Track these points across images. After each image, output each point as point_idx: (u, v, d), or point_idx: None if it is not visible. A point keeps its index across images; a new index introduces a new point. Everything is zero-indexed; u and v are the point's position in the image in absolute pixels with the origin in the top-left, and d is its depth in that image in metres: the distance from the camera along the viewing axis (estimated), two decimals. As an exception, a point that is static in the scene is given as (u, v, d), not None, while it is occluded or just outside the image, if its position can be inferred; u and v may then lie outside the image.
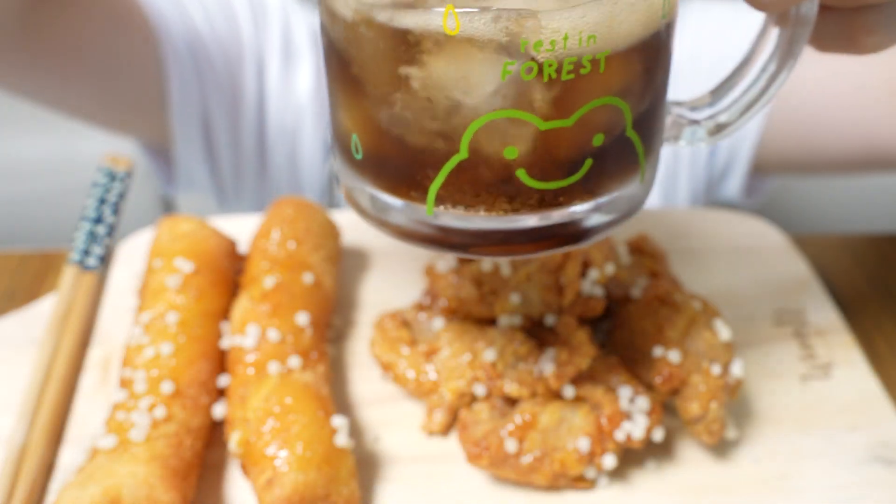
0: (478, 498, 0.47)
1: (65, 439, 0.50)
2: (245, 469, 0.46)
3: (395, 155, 0.35)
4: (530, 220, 0.35)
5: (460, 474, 0.48)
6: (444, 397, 0.49)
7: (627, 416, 0.47)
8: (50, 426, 0.49)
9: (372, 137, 0.36)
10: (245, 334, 0.50)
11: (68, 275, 0.58)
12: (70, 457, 0.48)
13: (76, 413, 0.51)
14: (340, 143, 0.38)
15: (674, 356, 0.48)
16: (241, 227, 0.61)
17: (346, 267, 0.61)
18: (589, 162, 0.35)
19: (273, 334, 0.49)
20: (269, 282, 0.52)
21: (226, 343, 0.51)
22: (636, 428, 0.46)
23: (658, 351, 0.48)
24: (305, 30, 0.79)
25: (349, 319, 0.58)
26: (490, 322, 0.52)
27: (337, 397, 0.52)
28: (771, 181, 0.82)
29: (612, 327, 0.53)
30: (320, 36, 0.38)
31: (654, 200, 0.81)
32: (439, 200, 0.35)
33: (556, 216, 0.36)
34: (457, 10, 0.31)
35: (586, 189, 0.35)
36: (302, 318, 0.51)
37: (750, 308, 0.59)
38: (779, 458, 0.49)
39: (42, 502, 0.46)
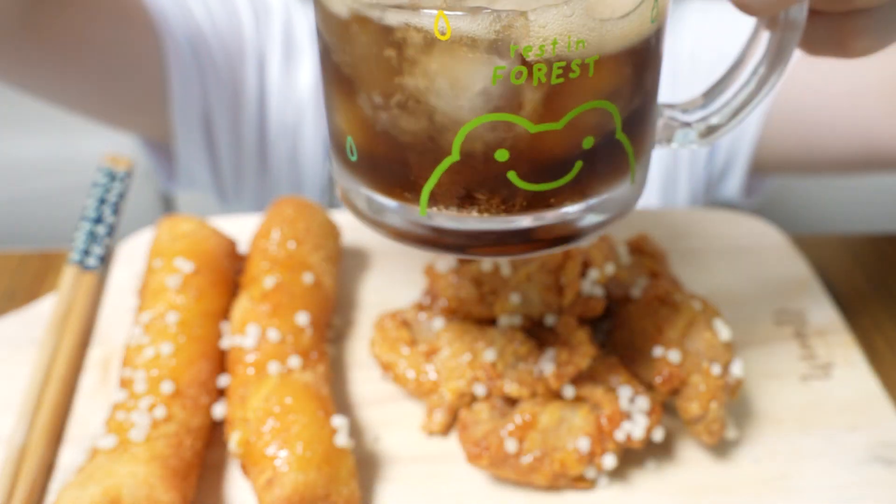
0: (478, 498, 0.47)
1: (65, 439, 0.50)
2: (245, 469, 0.46)
3: (388, 156, 0.36)
4: (523, 221, 0.36)
5: (460, 474, 0.48)
6: (444, 397, 0.49)
7: (627, 416, 0.47)
8: (50, 426, 0.49)
9: (366, 139, 0.36)
10: (245, 334, 0.50)
11: (68, 275, 0.58)
12: (70, 457, 0.48)
13: (76, 413, 0.51)
14: (336, 144, 0.39)
15: (674, 356, 0.48)
16: (241, 227, 0.61)
17: (346, 267, 0.61)
18: (579, 164, 0.35)
19: (273, 334, 0.49)
20: (269, 282, 0.52)
21: (226, 343, 0.51)
22: (636, 428, 0.46)
23: (658, 351, 0.48)
24: (307, 27, 0.79)
25: (349, 319, 0.58)
26: (490, 322, 0.52)
27: (337, 397, 0.52)
28: (770, 181, 0.82)
29: (612, 327, 0.53)
30: (316, 37, 0.38)
31: (653, 200, 0.81)
32: (432, 202, 0.36)
33: (549, 217, 0.36)
34: (446, 13, 0.31)
35: (577, 190, 0.36)
36: (302, 318, 0.51)
37: (750, 308, 0.59)
38: (779, 458, 0.49)
39: (42, 502, 0.46)
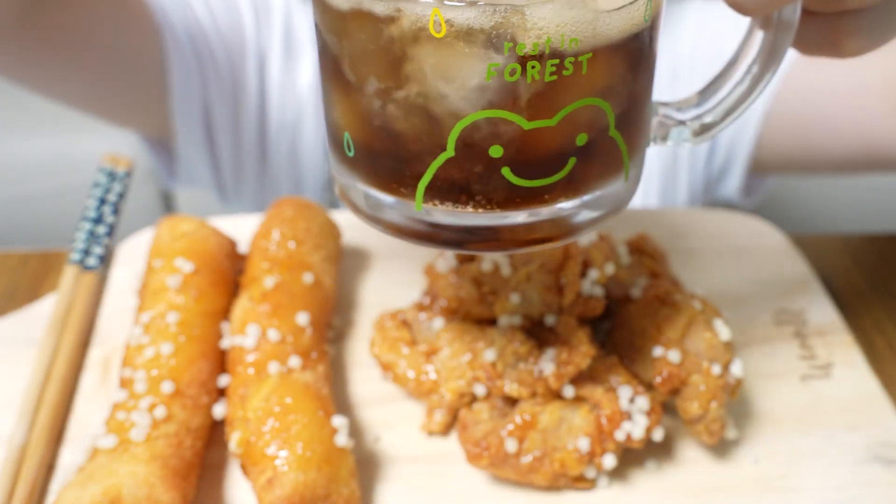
0: (478, 498, 0.47)
1: (65, 439, 0.50)
2: (245, 469, 0.46)
3: (384, 152, 0.36)
4: (518, 217, 0.36)
5: (460, 474, 0.48)
6: (444, 397, 0.49)
7: (627, 416, 0.47)
8: (50, 426, 0.49)
9: (362, 135, 0.37)
10: (245, 334, 0.50)
11: (68, 275, 0.58)
12: (70, 457, 0.48)
13: (76, 413, 0.51)
14: (334, 140, 0.39)
15: (674, 356, 0.48)
16: (241, 227, 0.61)
17: (346, 267, 0.61)
18: (573, 161, 0.36)
19: (273, 334, 0.49)
20: (269, 282, 0.52)
21: (226, 343, 0.51)
22: (636, 428, 0.46)
23: (658, 351, 0.48)
24: (308, 25, 0.79)
25: (349, 319, 0.58)
26: (490, 322, 0.52)
27: (337, 397, 0.52)
28: (770, 181, 0.82)
29: (612, 327, 0.53)
30: (314, 33, 0.38)
31: (653, 200, 0.81)
32: (428, 197, 0.36)
33: (544, 213, 0.37)
34: (441, 9, 0.31)
35: (571, 187, 0.36)
36: (302, 318, 0.51)
37: (750, 308, 0.59)
38: (779, 458, 0.49)
39: (42, 502, 0.46)
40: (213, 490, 0.47)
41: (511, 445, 0.46)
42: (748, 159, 0.76)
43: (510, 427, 0.46)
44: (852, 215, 1.25)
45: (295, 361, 0.49)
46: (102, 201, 0.62)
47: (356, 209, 0.39)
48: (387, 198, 0.37)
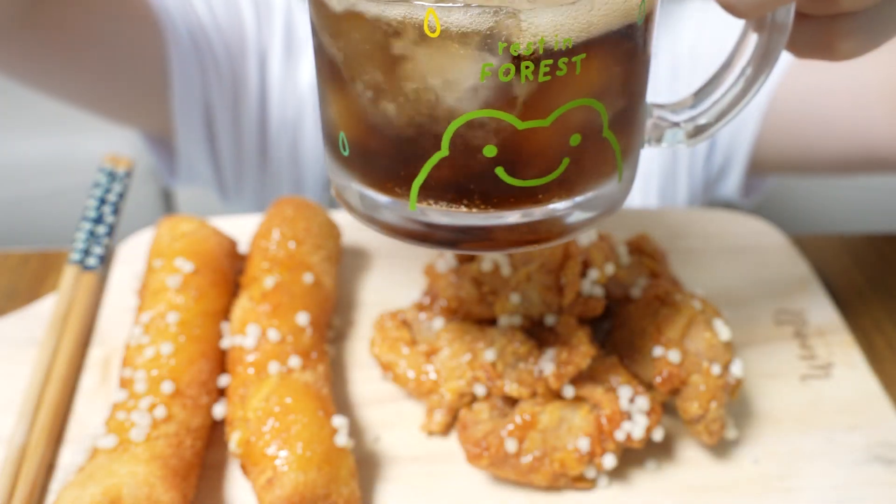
0: (478, 498, 0.47)
1: (65, 439, 0.50)
2: (245, 469, 0.46)
3: (379, 151, 0.36)
4: (512, 217, 0.36)
5: (460, 474, 0.48)
6: (444, 397, 0.49)
7: (627, 416, 0.47)
8: (50, 426, 0.49)
9: (357, 134, 0.37)
10: (245, 334, 0.50)
11: (68, 275, 0.58)
12: (70, 457, 0.48)
13: (76, 413, 0.51)
14: (329, 139, 0.40)
15: (674, 356, 0.48)
16: (241, 227, 0.61)
17: (346, 267, 0.61)
18: (566, 161, 0.36)
19: (273, 334, 0.49)
20: (269, 282, 0.52)
21: (226, 343, 0.51)
22: (636, 428, 0.46)
23: (658, 351, 0.49)
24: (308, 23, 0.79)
25: (349, 319, 0.58)
26: (490, 322, 0.52)
27: (337, 397, 0.52)
28: (769, 181, 0.83)
29: (612, 327, 0.53)
30: (311, 32, 0.39)
31: (653, 200, 0.81)
32: (422, 196, 0.36)
33: (537, 213, 0.37)
34: (436, 9, 0.32)
35: (564, 187, 0.36)
36: (302, 318, 0.51)
37: (750, 308, 0.59)
38: (779, 458, 0.49)
39: (42, 502, 0.46)
40: (213, 490, 0.47)
41: (511, 445, 0.46)
42: (747, 159, 0.76)
43: (510, 427, 0.46)
44: (852, 215, 1.25)
45: (295, 361, 0.49)
46: (102, 201, 0.62)
47: (351, 209, 0.39)
48: (382, 197, 0.37)
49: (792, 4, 0.36)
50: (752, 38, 0.38)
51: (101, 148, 1.10)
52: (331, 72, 0.37)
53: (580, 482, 0.47)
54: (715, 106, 0.39)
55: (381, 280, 0.61)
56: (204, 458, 0.48)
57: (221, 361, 0.51)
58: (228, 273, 0.56)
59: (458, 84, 0.33)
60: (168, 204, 1.31)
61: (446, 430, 0.50)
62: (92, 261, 0.59)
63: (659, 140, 0.41)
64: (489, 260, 0.51)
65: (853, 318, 0.60)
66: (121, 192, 0.63)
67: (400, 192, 0.36)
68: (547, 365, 0.48)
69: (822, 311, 0.59)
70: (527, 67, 0.33)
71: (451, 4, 0.31)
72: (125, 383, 0.48)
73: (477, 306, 0.51)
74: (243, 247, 0.59)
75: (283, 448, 0.44)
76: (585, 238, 0.52)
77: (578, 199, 0.37)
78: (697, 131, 0.40)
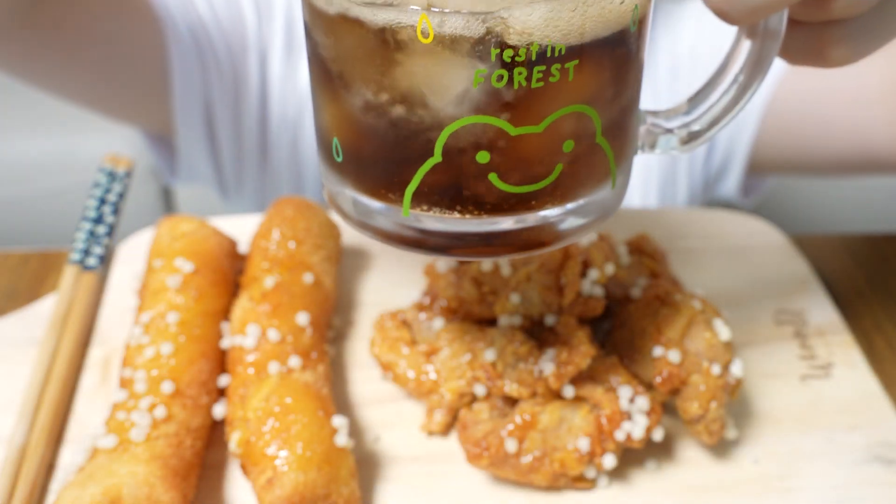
0: (478, 498, 0.47)
1: (65, 439, 0.50)
2: (245, 469, 0.46)
3: (372, 157, 0.36)
4: (505, 223, 0.36)
5: (460, 474, 0.48)
6: (444, 397, 0.49)
7: (627, 416, 0.47)
8: (50, 426, 0.49)
9: (350, 139, 0.37)
10: (245, 334, 0.50)
11: (68, 275, 0.58)
12: (70, 457, 0.48)
13: (76, 413, 0.51)
14: (323, 145, 0.39)
15: (674, 356, 0.48)
16: (241, 227, 0.61)
17: (346, 267, 0.61)
18: (559, 167, 0.36)
19: (273, 334, 0.49)
20: (269, 282, 0.52)
21: (226, 343, 0.51)
22: (636, 428, 0.46)
23: (658, 351, 0.49)
24: None
25: (349, 319, 0.58)
26: (490, 322, 0.52)
27: (337, 397, 0.52)
28: (769, 181, 0.83)
29: (612, 327, 0.53)
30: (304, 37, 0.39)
31: (652, 200, 0.81)
32: (415, 203, 0.36)
33: (530, 219, 0.37)
34: (429, 15, 0.32)
35: (558, 194, 0.36)
36: (302, 318, 0.51)
37: (750, 308, 0.59)
38: (779, 458, 0.49)
39: (42, 502, 0.46)
40: (213, 490, 0.47)
41: (511, 445, 0.46)
42: (746, 160, 0.76)
43: (510, 427, 0.46)
44: (852, 215, 1.25)
45: (295, 361, 0.49)
46: (102, 201, 0.62)
47: (345, 215, 0.39)
48: (375, 203, 0.37)
49: (784, 11, 0.36)
50: (745, 45, 0.38)
51: (101, 148, 1.10)
52: (324, 77, 0.37)
53: (580, 482, 0.47)
54: (708, 112, 0.39)
55: (381, 280, 0.61)
56: (204, 458, 0.48)
57: (221, 361, 0.51)
58: (228, 273, 0.56)
59: (451, 90, 0.33)
60: (168, 204, 1.31)
61: (446, 430, 0.50)
62: (92, 261, 0.59)
63: (652, 146, 0.41)
64: (489, 260, 0.51)
65: (853, 318, 0.60)
66: (121, 192, 0.63)
67: (393, 199, 0.36)
68: (547, 365, 0.48)
69: (822, 311, 0.59)
70: (520, 73, 0.33)
71: (444, 10, 0.31)
72: (125, 383, 0.48)
73: (477, 306, 0.51)
74: (243, 247, 0.59)
75: (283, 448, 0.44)
76: (585, 238, 0.52)
77: (572, 205, 0.37)
78: (691, 138, 0.40)
